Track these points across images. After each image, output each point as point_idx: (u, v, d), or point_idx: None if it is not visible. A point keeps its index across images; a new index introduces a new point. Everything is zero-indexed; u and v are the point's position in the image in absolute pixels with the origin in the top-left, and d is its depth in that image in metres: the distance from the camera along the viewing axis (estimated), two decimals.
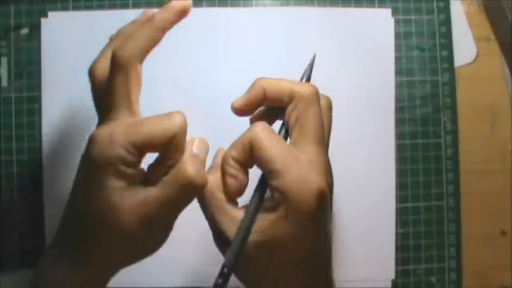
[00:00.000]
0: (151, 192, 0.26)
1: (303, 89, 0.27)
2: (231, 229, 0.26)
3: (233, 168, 0.27)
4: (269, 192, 0.27)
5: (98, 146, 0.25)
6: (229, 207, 0.27)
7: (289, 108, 0.28)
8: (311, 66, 0.30)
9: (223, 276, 0.25)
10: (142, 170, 0.27)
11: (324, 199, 0.25)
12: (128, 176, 0.26)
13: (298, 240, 0.26)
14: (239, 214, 0.27)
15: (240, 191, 0.27)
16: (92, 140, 0.26)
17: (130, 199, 0.26)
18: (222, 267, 0.26)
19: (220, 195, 0.27)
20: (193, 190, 0.27)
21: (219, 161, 0.29)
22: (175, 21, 0.30)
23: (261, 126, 0.27)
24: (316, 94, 0.28)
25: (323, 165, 0.26)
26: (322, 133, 0.27)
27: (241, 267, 0.26)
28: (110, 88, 0.27)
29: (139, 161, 0.26)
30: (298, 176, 0.25)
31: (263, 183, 0.27)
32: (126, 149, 0.25)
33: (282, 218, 0.25)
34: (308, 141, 0.27)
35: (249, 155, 0.27)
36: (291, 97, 0.27)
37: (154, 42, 0.29)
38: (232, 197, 0.27)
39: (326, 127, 0.28)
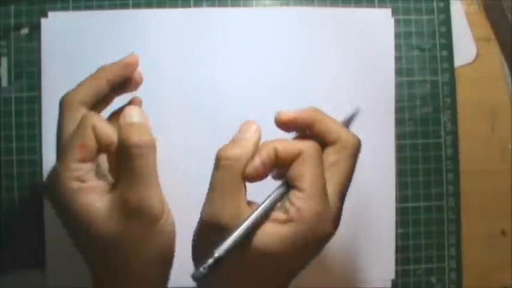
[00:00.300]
0: (117, 189, 0.27)
1: (350, 138, 0.28)
2: (229, 215, 0.26)
3: (268, 157, 0.27)
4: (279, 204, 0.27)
5: (52, 185, 0.28)
6: (243, 193, 0.27)
7: (331, 149, 0.28)
8: (352, 117, 0.31)
9: (216, 261, 0.24)
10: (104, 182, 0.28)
11: (327, 242, 0.27)
12: (91, 189, 0.27)
13: (289, 259, 0.26)
14: (246, 208, 0.26)
15: (254, 180, 0.27)
16: (46, 185, 0.28)
17: (104, 206, 0.27)
18: (213, 253, 0.24)
19: (240, 174, 0.27)
20: (141, 150, 0.27)
21: (250, 136, 0.28)
22: (121, 73, 0.32)
23: (316, 147, 0.27)
24: (359, 149, 0.28)
25: (340, 214, 0.28)
26: (348, 186, 0.28)
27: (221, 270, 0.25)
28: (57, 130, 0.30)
29: (91, 171, 0.28)
30: (322, 209, 0.26)
31: (282, 192, 0.27)
32: (69, 167, 0.27)
33: (289, 234, 0.26)
34: (336, 188, 0.28)
35: (289, 159, 0.27)
36: (336, 140, 0.28)
37: (98, 90, 0.31)
38: (245, 179, 0.27)
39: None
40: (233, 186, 0.27)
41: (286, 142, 0.28)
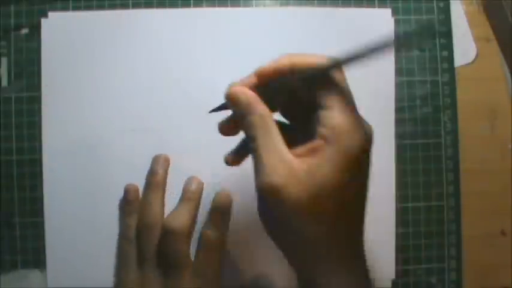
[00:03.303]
0: None
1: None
2: (281, 173, 0.26)
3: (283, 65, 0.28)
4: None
5: None
6: (284, 147, 0.27)
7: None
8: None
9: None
10: None
11: (368, 150, 0.27)
12: None
13: (340, 186, 0.26)
14: (294, 161, 0.27)
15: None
16: None
17: None
18: None
19: (277, 133, 0.28)
20: None
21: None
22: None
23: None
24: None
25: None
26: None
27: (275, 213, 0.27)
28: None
29: None
30: (353, 121, 0.27)
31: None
32: None
33: (329, 159, 0.26)
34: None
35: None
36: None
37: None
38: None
39: None
40: (274, 145, 0.27)
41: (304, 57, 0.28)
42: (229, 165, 0.33)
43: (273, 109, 0.29)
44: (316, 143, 0.26)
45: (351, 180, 0.26)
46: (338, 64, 0.28)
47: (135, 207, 0.37)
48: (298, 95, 0.29)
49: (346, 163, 0.26)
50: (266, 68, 0.29)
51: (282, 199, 0.26)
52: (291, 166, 0.26)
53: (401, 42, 0.26)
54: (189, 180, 0.37)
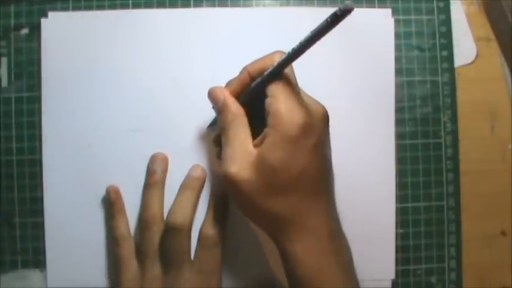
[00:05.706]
0: None
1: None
2: (239, 164, 0.30)
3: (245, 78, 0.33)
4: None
5: None
6: (249, 140, 0.31)
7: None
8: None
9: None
10: None
11: (307, 129, 0.29)
12: None
13: (286, 163, 0.29)
14: (253, 151, 0.30)
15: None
16: None
17: None
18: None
19: (246, 124, 0.32)
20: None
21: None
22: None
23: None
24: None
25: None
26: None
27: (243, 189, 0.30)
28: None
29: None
30: (292, 105, 0.30)
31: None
32: None
33: (272, 141, 0.29)
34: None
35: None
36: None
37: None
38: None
39: None
40: (238, 139, 0.31)
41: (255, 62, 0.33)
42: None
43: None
44: (265, 130, 0.30)
45: (296, 156, 0.29)
46: (286, 62, 0.31)
47: (119, 207, 0.38)
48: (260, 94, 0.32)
49: (287, 142, 0.29)
50: (234, 87, 0.33)
51: (237, 184, 0.30)
52: (249, 156, 0.30)
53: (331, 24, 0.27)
54: (193, 168, 0.38)
